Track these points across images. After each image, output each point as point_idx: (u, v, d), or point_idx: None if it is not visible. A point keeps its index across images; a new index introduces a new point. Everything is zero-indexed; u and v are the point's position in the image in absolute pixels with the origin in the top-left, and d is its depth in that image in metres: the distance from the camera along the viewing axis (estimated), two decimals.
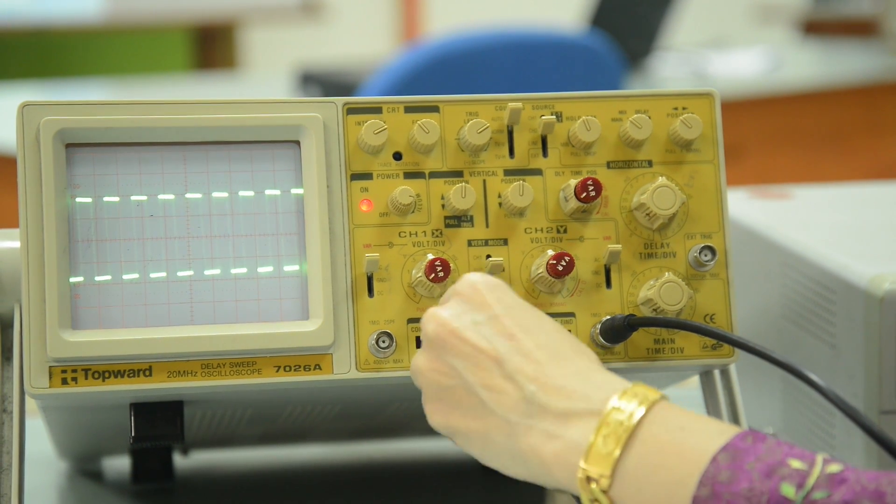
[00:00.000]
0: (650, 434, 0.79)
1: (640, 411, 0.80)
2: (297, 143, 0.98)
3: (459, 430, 0.87)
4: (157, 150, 0.97)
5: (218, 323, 0.96)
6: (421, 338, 0.91)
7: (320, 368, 0.96)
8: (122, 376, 0.94)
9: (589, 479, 0.79)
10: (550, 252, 0.98)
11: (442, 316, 0.89)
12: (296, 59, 3.87)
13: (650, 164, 1.01)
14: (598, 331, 0.98)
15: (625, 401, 0.81)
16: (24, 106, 0.96)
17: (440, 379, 0.88)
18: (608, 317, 0.99)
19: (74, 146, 0.96)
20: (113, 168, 0.97)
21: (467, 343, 0.87)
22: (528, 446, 0.83)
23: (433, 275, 0.96)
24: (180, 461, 1.29)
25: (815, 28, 4.61)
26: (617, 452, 0.79)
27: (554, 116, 1.01)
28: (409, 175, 0.99)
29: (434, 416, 0.89)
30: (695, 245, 1.00)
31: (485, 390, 0.85)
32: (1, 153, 2.81)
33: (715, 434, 0.78)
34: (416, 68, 2.74)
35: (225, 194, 0.98)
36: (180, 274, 0.96)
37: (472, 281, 0.90)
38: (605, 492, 0.79)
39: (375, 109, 0.99)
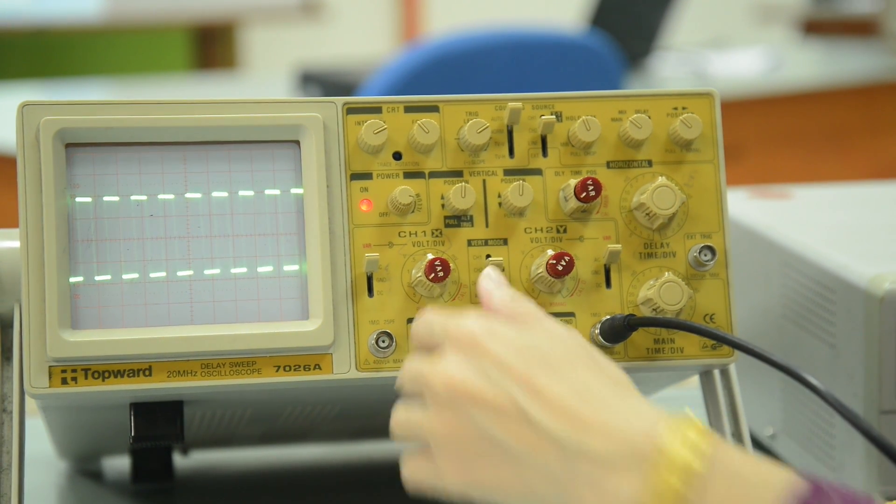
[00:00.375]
0: (712, 495, 0.75)
1: (693, 470, 0.75)
2: (297, 142, 0.98)
3: (489, 486, 0.81)
4: (156, 149, 0.97)
5: (218, 323, 0.96)
6: (420, 393, 0.85)
7: (320, 368, 0.96)
8: (122, 376, 0.94)
9: None
10: (550, 252, 0.98)
11: (447, 370, 0.83)
12: (296, 59, 3.87)
13: (650, 163, 1.01)
14: (597, 331, 0.98)
15: (675, 450, 0.76)
16: (24, 106, 0.96)
17: (456, 433, 0.82)
18: (608, 317, 0.99)
19: (74, 146, 0.96)
20: (113, 168, 0.97)
21: (480, 395, 0.81)
22: (576, 497, 0.78)
23: (433, 275, 0.96)
24: (180, 461, 1.29)
25: (815, 28, 4.61)
26: None
27: (554, 116, 1.01)
28: (409, 175, 0.99)
29: (450, 476, 0.83)
30: (694, 245, 1.00)
31: (514, 441, 0.80)
32: (1, 153, 2.81)
33: (775, 486, 0.74)
34: (415, 68, 2.74)
35: (225, 194, 0.98)
36: (180, 274, 0.96)
37: (469, 333, 0.84)
38: None
39: (375, 109, 0.99)
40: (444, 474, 0.83)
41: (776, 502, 0.73)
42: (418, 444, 0.86)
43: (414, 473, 0.86)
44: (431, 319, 0.88)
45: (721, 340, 0.96)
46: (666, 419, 0.78)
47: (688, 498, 0.75)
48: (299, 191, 0.98)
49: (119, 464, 1.28)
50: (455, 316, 0.86)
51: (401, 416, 0.86)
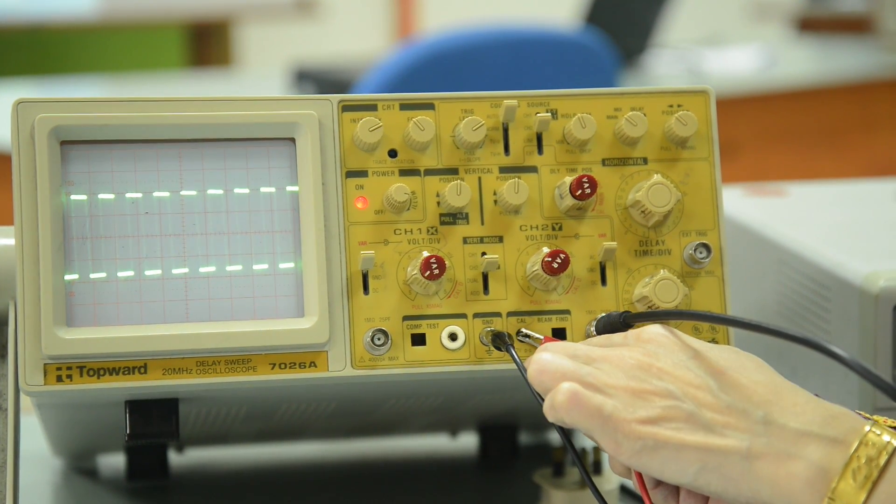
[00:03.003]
0: (894, 480, 0.78)
1: (886, 454, 0.79)
2: (293, 140, 0.98)
3: (668, 444, 0.83)
4: (152, 147, 0.97)
5: (213, 320, 0.96)
6: (606, 368, 0.86)
7: (315, 366, 0.96)
8: (117, 374, 0.94)
9: None
10: (546, 249, 0.98)
11: (638, 355, 0.86)
12: (291, 57, 3.87)
13: (645, 161, 1.01)
14: (593, 328, 0.98)
15: (873, 437, 0.80)
16: (19, 103, 0.95)
17: (647, 397, 0.84)
18: (604, 314, 0.99)
19: (69, 143, 0.96)
20: (108, 165, 0.96)
21: (673, 373, 0.85)
22: (763, 467, 0.81)
23: (428, 272, 0.96)
24: (175, 458, 1.29)
25: (810, 25, 4.62)
26: (864, 495, 0.78)
27: (549, 114, 1.01)
28: (405, 172, 0.99)
29: (630, 427, 0.84)
30: (690, 242, 1.01)
31: (706, 411, 0.83)
32: None
33: None
34: (411, 66, 2.74)
35: (220, 191, 0.98)
36: (175, 271, 0.96)
37: (641, 363, 0.86)
38: None
39: (371, 107, 0.99)
40: (622, 427, 0.84)
41: None
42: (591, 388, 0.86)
43: (620, 426, 0.85)
44: (573, 349, 0.89)
45: (719, 321, 0.96)
46: (861, 418, 0.82)
47: (883, 474, 0.78)
48: (295, 188, 0.98)
49: (114, 461, 1.28)
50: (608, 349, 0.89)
51: (598, 375, 0.86)
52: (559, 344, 0.91)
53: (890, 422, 0.83)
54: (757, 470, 0.81)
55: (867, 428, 0.80)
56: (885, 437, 0.79)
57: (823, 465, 0.80)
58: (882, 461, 0.79)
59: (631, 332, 0.91)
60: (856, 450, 0.79)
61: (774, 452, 0.81)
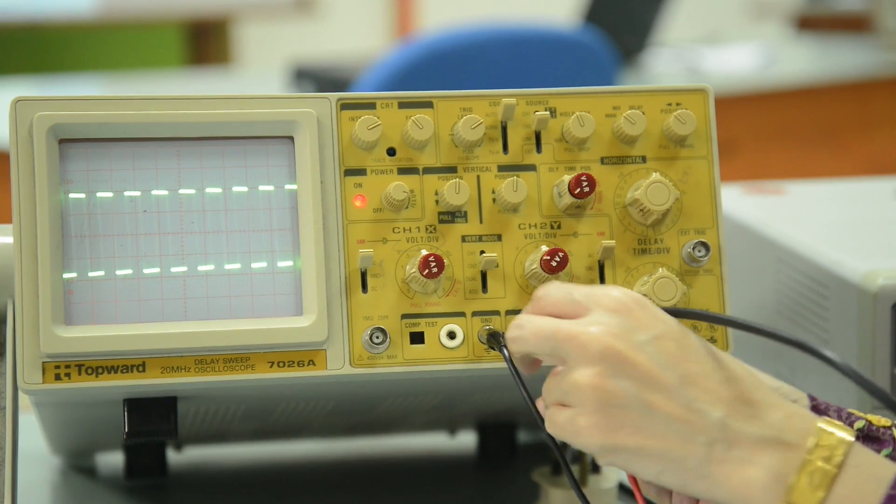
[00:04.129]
0: (853, 476, 0.80)
1: (841, 452, 0.80)
2: (291, 138, 0.98)
3: (627, 448, 0.84)
4: (150, 145, 0.97)
5: (211, 319, 0.96)
6: (574, 354, 0.86)
7: (314, 364, 0.96)
8: (116, 372, 0.94)
9: None
10: (544, 248, 0.98)
11: (607, 337, 0.85)
12: (289, 55, 3.86)
13: (644, 159, 1.01)
14: None
15: (824, 437, 0.81)
16: (18, 101, 0.95)
17: (608, 398, 0.84)
18: None
19: (68, 142, 0.96)
20: (106, 164, 0.96)
21: (640, 366, 0.84)
22: (720, 472, 0.82)
23: (427, 271, 0.96)
24: (174, 457, 1.29)
25: (809, 24, 4.61)
26: (822, 493, 0.79)
27: (548, 112, 1.01)
28: (403, 171, 0.99)
29: (592, 433, 0.85)
30: (688, 241, 1.00)
31: (667, 411, 0.83)
32: None
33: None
34: (409, 64, 2.74)
35: (218, 190, 0.97)
36: (174, 270, 0.96)
37: (623, 300, 0.87)
38: None
39: (369, 105, 0.99)
40: (582, 431, 0.85)
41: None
42: (559, 399, 0.87)
43: (554, 423, 0.87)
44: (570, 288, 0.90)
45: (718, 322, 0.95)
46: (814, 419, 0.82)
47: (837, 477, 0.79)
48: (293, 187, 0.98)
49: (112, 459, 1.28)
50: (595, 286, 0.89)
51: (569, 374, 0.87)
52: (530, 324, 0.90)
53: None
54: (713, 474, 0.82)
55: (820, 425, 0.81)
56: (839, 434, 0.81)
57: (779, 469, 0.81)
58: (837, 460, 0.80)
59: (596, 296, 0.88)
60: (810, 452, 0.81)
61: (731, 459, 0.82)
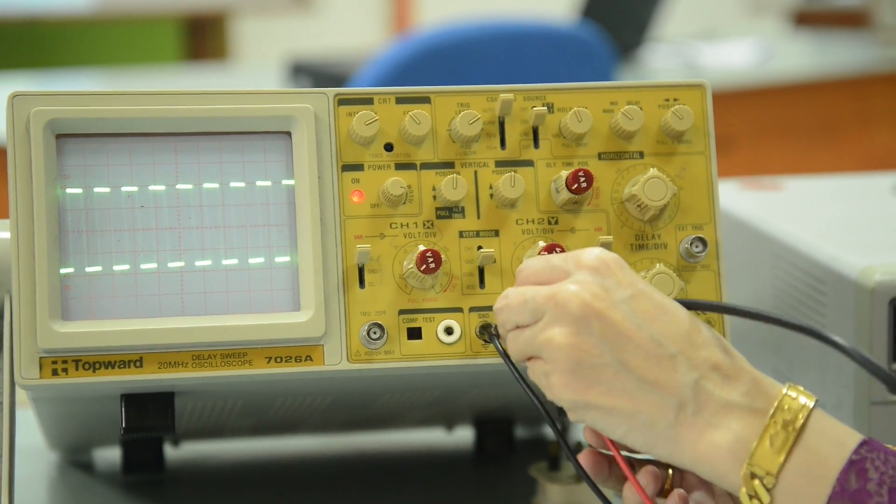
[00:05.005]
0: (814, 439, 0.81)
1: (803, 416, 0.81)
2: (289, 133, 0.98)
3: (599, 406, 0.85)
4: (147, 140, 0.97)
5: (209, 314, 0.96)
6: (551, 311, 0.87)
7: (311, 360, 0.96)
8: (113, 367, 0.94)
9: (753, 476, 0.81)
10: (542, 243, 0.98)
11: (585, 293, 0.86)
12: (287, 50, 3.86)
13: (641, 155, 1.01)
14: None
15: (788, 401, 0.82)
16: (14, 96, 0.95)
17: (582, 356, 0.85)
18: None
19: (65, 136, 0.96)
20: (103, 159, 0.96)
21: (617, 324, 0.85)
22: (687, 435, 0.83)
23: (424, 266, 0.96)
24: (171, 452, 1.29)
25: (807, 19, 4.61)
26: (784, 454, 0.81)
27: (545, 107, 1.01)
28: (401, 166, 0.99)
29: (564, 391, 0.86)
30: (686, 236, 1.00)
31: (641, 371, 0.84)
32: None
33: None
34: (407, 59, 2.74)
35: (216, 185, 0.97)
36: (171, 265, 0.96)
37: (602, 258, 0.88)
38: (768, 490, 0.81)
39: (367, 100, 0.99)
40: (554, 388, 0.87)
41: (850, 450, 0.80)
42: (534, 353, 0.88)
43: (532, 374, 0.88)
44: (549, 257, 0.91)
45: (717, 310, 0.95)
46: (780, 385, 0.84)
47: (798, 440, 0.81)
48: (290, 182, 0.98)
49: (110, 455, 1.28)
50: (567, 255, 0.90)
51: (543, 331, 0.87)
52: (513, 293, 0.91)
53: (807, 394, 0.83)
54: (680, 437, 0.83)
55: (784, 391, 0.82)
56: (802, 400, 0.82)
57: (744, 434, 0.82)
58: (798, 424, 0.81)
59: (578, 257, 0.89)
60: (773, 415, 0.82)
61: (698, 423, 0.83)
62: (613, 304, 0.85)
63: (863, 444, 0.80)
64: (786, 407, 0.82)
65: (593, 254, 0.88)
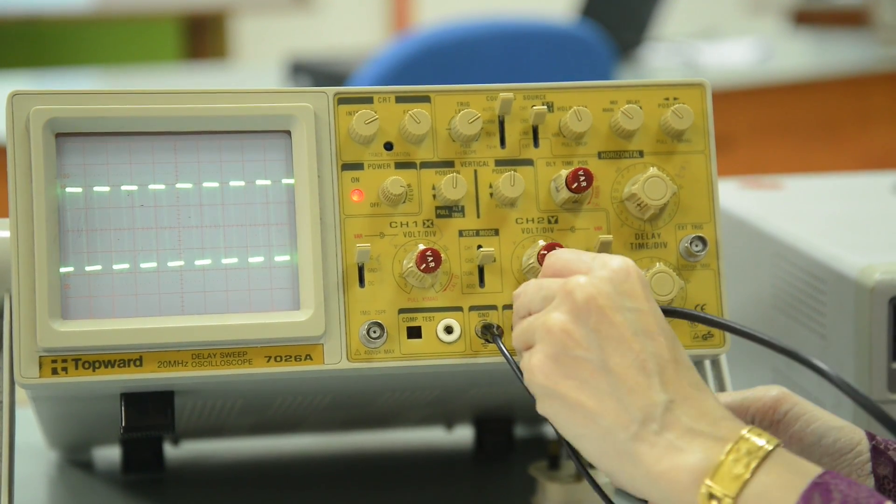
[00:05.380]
0: (776, 469, 0.80)
1: (770, 446, 0.81)
2: (288, 132, 0.98)
3: (565, 399, 0.85)
4: (147, 139, 0.97)
5: (209, 313, 0.96)
6: (559, 298, 0.87)
7: (311, 359, 0.96)
8: (113, 366, 0.94)
9: (711, 496, 0.80)
10: (542, 242, 0.98)
11: (595, 289, 0.85)
12: (286, 49, 3.86)
13: (641, 154, 1.01)
14: None
15: (753, 435, 0.81)
16: (14, 95, 0.95)
17: (571, 345, 0.85)
18: None
19: (64, 136, 0.96)
20: (103, 158, 0.96)
21: (615, 326, 0.85)
22: (647, 450, 0.82)
23: (424, 265, 0.96)
24: (171, 451, 1.29)
25: (806, 18, 4.62)
26: (747, 475, 0.80)
27: (545, 106, 1.00)
28: (400, 165, 0.99)
29: (539, 374, 0.86)
30: (686, 235, 1.00)
31: (620, 377, 0.84)
32: None
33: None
34: (407, 58, 2.74)
35: (216, 184, 0.97)
36: (171, 264, 0.96)
37: (627, 267, 0.87)
38: None
39: (366, 99, 0.99)
40: (532, 368, 0.86)
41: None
42: (528, 340, 0.88)
43: (532, 368, 0.87)
44: (580, 251, 0.90)
45: (716, 325, 0.95)
46: (750, 425, 0.83)
47: (763, 462, 0.80)
48: (290, 181, 0.98)
49: (109, 454, 1.28)
50: (599, 254, 0.89)
51: (546, 314, 0.87)
52: (533, 281, 0.91)
53: (770, 437, 0.83)
54: (638, 454, 0.82)
55: (744, 432, 0.81)
56: (761, 441, 0.81)
57: (707, 455, 0.81)
58: (762, 453, 0.80)
59: (603, 258, 0.89)
60: (737, 442, 0.81)
61: (660, 442, 0.82)
62: (618, 308, 0.85)
63: (827, 472, 0.79)
64: (750, 439, 0.81)
65: (621, 261, 0.87)
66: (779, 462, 0.80)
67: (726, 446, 0.81)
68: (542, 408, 0.87)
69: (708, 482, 0.80)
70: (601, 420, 0.83)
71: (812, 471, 0.79)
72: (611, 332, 0.85)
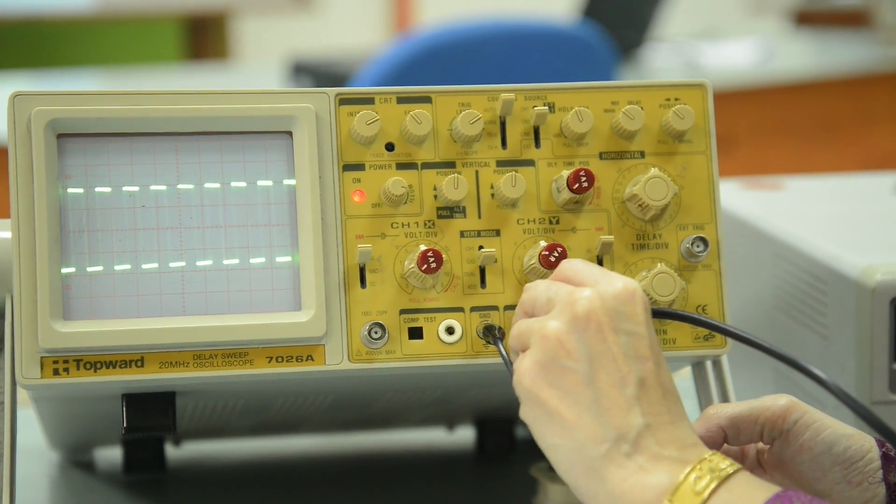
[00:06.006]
0: (738, 487, 0.80)
1: (732, 469, 0.81)
2: (290, 133, 0.98)
3: (546, 406, 0.85)
4: (148, 140, 0.97)
5: (210, 314, 0.96)
6: (560, 306, 0.87)
7: (312, 359, 0.96)
8: (114, 367, 0.94)
9: None
10: (543, 243, 0.98)
11: (597, 305, 0.85)
12: (288, 50, 3.86)
13: (642, 154, 1.01)
14: None
15: (717, 458, 0.82)
16: (16, 96, 0.95)
17: (562, 354, 0.85)
18: None
19: (66, 136, 0.96)
20: (105, 158, 0.96)
21: (608, 344, 0.84)
22: (615, 470, 0.82)
23: (426, 266, 0.96)
24: (172, 452, 1.29)
25: (807, 19, 4.62)
26: (706, 494, 0.80)
27: (546, 107, 1.01)
28: (402, 166, 0.99)
29: (526, 377, 0.86)
30: (687, 236, 1.00)
31: (603, 394, 0.84)
32: None
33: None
34: (408, 59, 2.74)
35: (217, 185, 0.97)
36: (172, 265, 0.96)
37: (633, 290, 0.86)
38: None
39: (368, 100, 0.99)
40: (523, 373, 0.86)
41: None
42: (524, 343, 0.88)
43: (520, 372, 0.87)
44: (594, 265, 0.90)
45: (716, 329, 0.95)
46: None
47: (723, 483, 0.80)
48: (292, 182, 0.98)
49: (111, 454, 1.28)
50: (609, 272, 0.89)
51: (543, 321, 0.87)
52: (541, 282, 0.91)
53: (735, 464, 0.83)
54: (606, 472, 0.83)
55: (707, 455, 0.82)
56: (724, 464, 0.81)
57: (671, 475, 0.81)
58: (725, 473, 0.80)
59: (613, 275, 0.88)
60: (700, 461, 0.81)
61: (630, 464, 0.82)
62: (615, 328, 0.85)
63: (789, 489, 0.80)
64: (713, 460, 0.81)
65: (628, 282, 0.87)
66: (741, 481, 0.80)
67: (688, 467, 0.81)
68: (523, 412, 0.87)
69: (668, 500, 0.80)
70: (576, 433, 0.84)
71: (774, 488, 0.80)
72: (603, 349, 0.85)
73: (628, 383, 0.84)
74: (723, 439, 0.93)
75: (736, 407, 0.94)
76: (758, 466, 0.94)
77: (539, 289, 0.90)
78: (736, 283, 1.26)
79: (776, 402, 0.93)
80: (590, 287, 0.87)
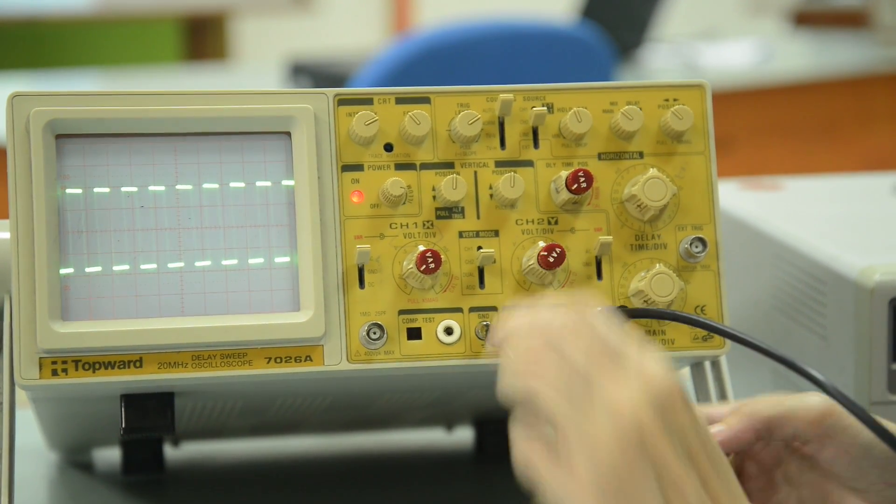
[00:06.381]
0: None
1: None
2: (288, 134, 0.98)
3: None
4: (147, 141, 0.97)
5: (209, 314, 0.96)
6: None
7: (311, 360, 0.96)
8: (113, 368, 0.94)
9: None
10: (541, 243, 0.98)
11: (647, 418, 0.76)
12: (286, 51, 3.86)
13: (641, 155, 1.01)
14: None
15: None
16: (14, 96, 0.95)
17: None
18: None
19: (64, 137, 0.96)
20: (103, 159, 0.96)
21: (669, 459, 0.76)
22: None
23: (424, 266, 0.96)
24: (171, 452, 1.29)
25: (806, 19, 4.62)
26: None
27: (545, 108, 1.01)
28: (400, 166, 0.99)
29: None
30: (686, 236, 1.00)
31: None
32: None
33: None
34: (407, 59, 2.74)
35: (216, 185, 0.97)
36: (171, 265, 0.96)
37: (671, 389, 0.78)
38: None
39: (366, 101, 0.99)
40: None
41: None
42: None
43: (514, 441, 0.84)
44: (608, 334, 0.83)
45: (714, 331, 0.95)
46: None
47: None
48: (290, 182, 0.98)
49: (110, 455, 1.28)
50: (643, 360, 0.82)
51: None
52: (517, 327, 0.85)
53: None
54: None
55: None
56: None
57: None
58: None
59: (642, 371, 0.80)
60: None
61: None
62: (668, 441, 0.77)
63: None
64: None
65: (666, 381, 0.78)
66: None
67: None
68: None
69: None
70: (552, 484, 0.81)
71: None
72: (669, 468, 0.77)
73: (684, 487, 0.76)
74: (756, 438, 0.91)
75: (771, 409, 0.91)
76: (779, 465, 0.93)
77: (554, 346, 0.81)
78: (735, 283, 1.26)
79: (807, 401, 0.90)
80: (624, 382, 0.79)
